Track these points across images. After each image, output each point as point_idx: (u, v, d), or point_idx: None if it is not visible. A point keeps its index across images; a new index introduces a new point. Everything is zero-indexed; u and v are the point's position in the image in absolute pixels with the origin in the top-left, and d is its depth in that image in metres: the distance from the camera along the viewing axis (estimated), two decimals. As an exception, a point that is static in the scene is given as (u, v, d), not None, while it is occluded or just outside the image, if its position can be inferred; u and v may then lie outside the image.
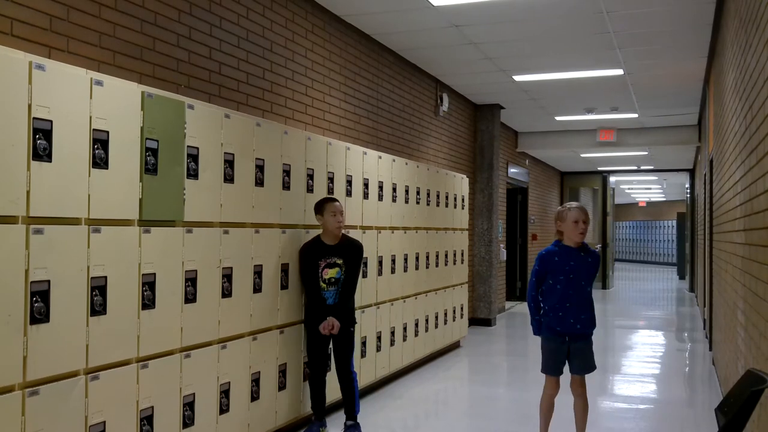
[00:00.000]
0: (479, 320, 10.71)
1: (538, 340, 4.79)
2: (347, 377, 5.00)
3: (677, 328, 11.61)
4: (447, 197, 8.13)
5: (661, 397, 6.69)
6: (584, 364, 4.67)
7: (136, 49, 4.18)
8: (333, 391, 5.23)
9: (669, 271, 26.96)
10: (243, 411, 4.35)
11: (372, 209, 6.14)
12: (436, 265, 7.79)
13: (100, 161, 3.29)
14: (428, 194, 7.54)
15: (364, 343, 5.96)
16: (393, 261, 6.56)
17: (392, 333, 6.57)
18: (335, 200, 4.95)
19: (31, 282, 2.95)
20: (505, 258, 12.35)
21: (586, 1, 6.01)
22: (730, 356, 5.48)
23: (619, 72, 8.45)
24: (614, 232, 22.25)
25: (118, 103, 3.40)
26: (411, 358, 7.08)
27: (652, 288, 20.00)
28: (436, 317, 7.82)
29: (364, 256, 5.93)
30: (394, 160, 6.66)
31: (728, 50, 5.33)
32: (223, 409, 4.16)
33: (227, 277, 4.20)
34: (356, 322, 5.12)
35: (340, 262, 4.90)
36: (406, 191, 6.93)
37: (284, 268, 4.82)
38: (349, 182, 5.73)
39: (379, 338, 6.26)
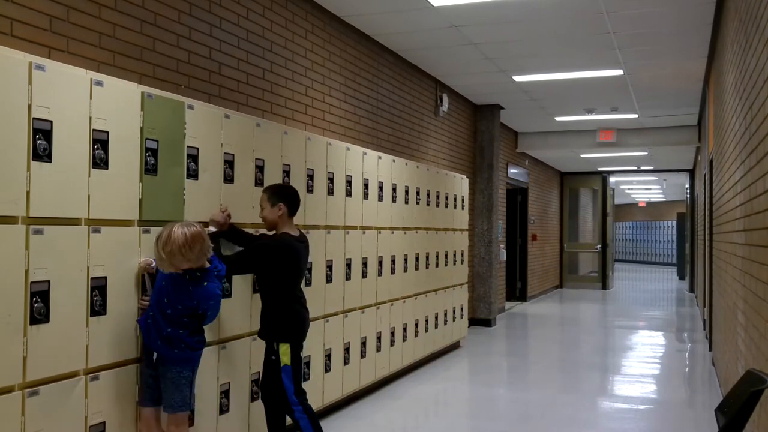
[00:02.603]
0: (479, 321, 10.71)
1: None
2: (290, 416, 4.08)
3: (677, 328, 11.61)
4: (447, 198, 8.13)
5: (661, 398, 6.69)
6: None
7: (136, 50, 4.18)
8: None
9: (669, 271, 26.96)
10: (243, 411, 4.35)
11: (372, 209, 6.14)
12: (436, 266, 7.79)
13: (100, 161, 3.29)
14: (428, 194, 7.54)
15: (363, 344, 5.96)
16: (393, 261, 6.56)
17: (392, 333, 6.57)
18: None
19: (31, 282, 2.95)
20: (505, 258, 12.35)
21: (586, 2, 6.01)
22: (730, 357, 5.48)
23: (619, 72, 8.45)
24: (614, 232, 22.24)
25: (118, 103, 3.40)
26: (411, 359, 7.08)
27: (651, 288, 19.99)
28: (436, 318, 7.82)
29: (364, 256, 5.94)
30: (394, 161, 6.66)
31: (728, 50, 5.33)
32: (223, 409, 4.16)
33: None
34: (279, 342, 4.06)
35: None
36: (406, 191, 6.93)
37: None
38: (349, 182, 5.73)
39: (378, 339, 6.26)
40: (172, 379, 3.44)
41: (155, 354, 3.44)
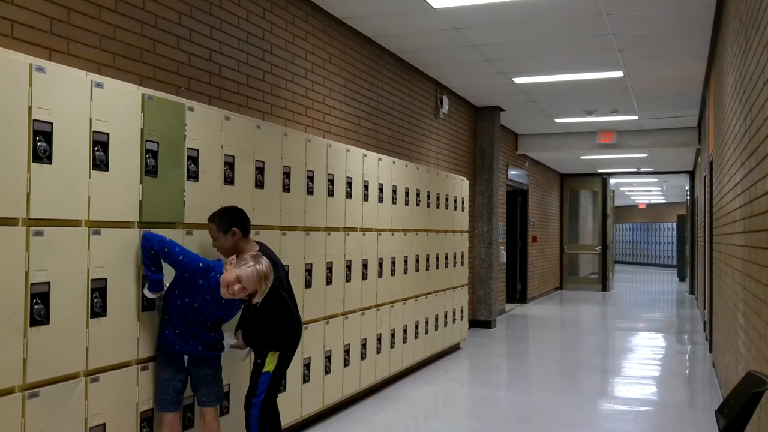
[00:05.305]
0: (479, 322, 10.70)
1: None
2: (245, 416, 4.00)
3: (677, 330, 11.61)
4: (447, 199, 8.13)
5: (662, 399, 6.68)
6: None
7: (136, 52, 4.19)
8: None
9: (669, 273, 26.95)
10: (242, 413, 4.34)
11: (372, 211, 6.14)
12: (436, 267, 7.79)
13: (100, 163, 3.29)
14: (428, 196, 7.54)
15: (363, 346, 5.96)
16: (393, 263, 6.56)
17: (392, 335, 6.56)
18: None
19: (32, 284, 2.95)
20: (505, 260, 12.35)
21: (586, 4, 6.01)
22: (730, 358, 5.48)
23: (619, 74, 8.46)
24: (614, 234, 22.25)
25: (118, 105, 3.41)
26: (411, 361, 7.07)
27: (652, 290, 19.99)
28: (436, 319, 7.81)
29: (364, 258, 5.94)
30: (394, 162, 6.66)
31: (728, 52, 5.33)
32: (223, 411, 4.16)
33: (227, 279, 4.19)
34: (269, 351, 3.99)
35: None
36: (406, 193, 6.93)
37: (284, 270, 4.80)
38: (349, 184, 5.73)
39: (378, 340, 6.26)
40: (213, 375, 3.78)
41: (186, 358, 3.66)
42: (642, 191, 26.22)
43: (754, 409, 2.51)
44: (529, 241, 14.74)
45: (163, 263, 3.59)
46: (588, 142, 12.93)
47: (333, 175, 5.46)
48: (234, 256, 3.72)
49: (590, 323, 12.51)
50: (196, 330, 3.65)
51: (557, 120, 11.81)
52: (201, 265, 3.62)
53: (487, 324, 10.74)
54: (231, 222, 3.88)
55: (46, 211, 3.03)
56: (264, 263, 3.63)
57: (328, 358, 5.37)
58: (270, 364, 3.98)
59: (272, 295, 3.83)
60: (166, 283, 3.67)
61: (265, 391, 3.97)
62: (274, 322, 3.97)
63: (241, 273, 3.53)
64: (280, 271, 4.07)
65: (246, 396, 4.07)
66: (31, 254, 2.95)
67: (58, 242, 3.07)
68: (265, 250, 4.02)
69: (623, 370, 8.27)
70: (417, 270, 7.19)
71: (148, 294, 3.56)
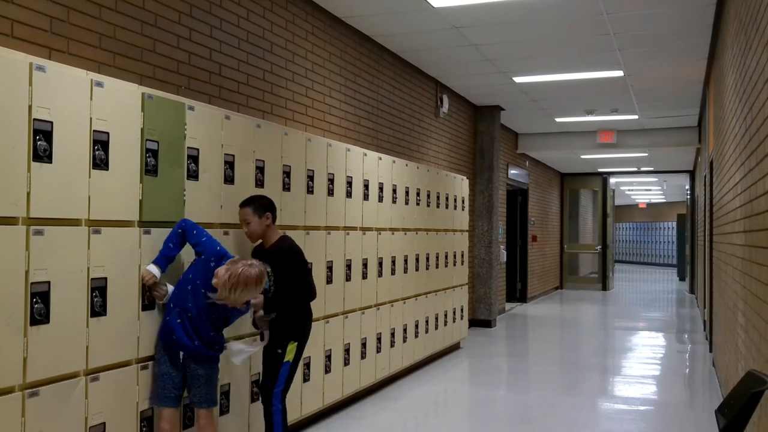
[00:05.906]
0: (479, 322, 10.71)
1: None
2: (266, 408, 4.14)
3: (677, 329, 11.61)
4: (447, 198, 8.13)
5: (662, 399, 6.69)
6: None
7: (136, 51, 4.19)
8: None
9: (669, 272, 26.95)
10: (243, 412, 4.35)
11: (372, 210, 6.14)
12: (436, 267, 7.79)
13: (100, 162, 3.29)
14: (428, 195, 7.54)
15: (364, 345, 5.96)
16: (393, 262, 6.56)
17: (392, 334, 6.56)
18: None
19: (32, 283, 2.95)
20: (505, 259, 12.35)
21: (586, 3, 6.01)
22: (730, 358, 5.48)
23: (619, 73, 8.46)
24: (614, 233, 22.24)
25: (118, 104, 3.41)
26: (410, 360, 7.08)
27: (652, 289, 19.99)
28: (436, 319, 7.81)
29: (364, 257, 5.94)
30: (394, 162, 6.66)
31: (728, 52, 5.33)
32: (223, 410, 4.16)
33: (227, 278, 4.19)
34: (289, 341, 4.14)
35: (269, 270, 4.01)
36: (407, 192, 6.93)
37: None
38: (350, 183, 5.73)
39: (378, 340, 6.26)
40: (208, 376, 3.70)
41: (182, 353, 3.61)
42: (642, 190, 26.22)
43: (754, 408, 2.52)
44: (529, 240, 14.74)
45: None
46: (588, 141, 12.93)
47: (333, 174, 5.46)
48: (237, 257, 3.77)
49: (590, 322, 12.51)
50: (198, 322, 3.62)
51: (557, 119, 11.81)
52: (218, 248, 3.75)
53: (487, 323, 10.74)
54: (265, 207, 4.12)
55: (46, 211, 3.03)
56: (248, 273, 3.56)
57: (328, 358, 5.37)
58: (290, 353, 4.14)
59: (298, 269, 4.08)
60: (171, 286, 3.70)
61: (285, 382, 4.13)
62: (296, 312, 4.15)
63: (218, 270, 3.59)
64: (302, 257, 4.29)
65: (263, 387, 4.17)
66: (31, 253, 2.95)
67: (58, 241, 3.07)
68: (288, 240, 4.21)
69: (623, 369, 8.27)
70: (417, 269, 7.20)
71: (151, 268, 3.54)
